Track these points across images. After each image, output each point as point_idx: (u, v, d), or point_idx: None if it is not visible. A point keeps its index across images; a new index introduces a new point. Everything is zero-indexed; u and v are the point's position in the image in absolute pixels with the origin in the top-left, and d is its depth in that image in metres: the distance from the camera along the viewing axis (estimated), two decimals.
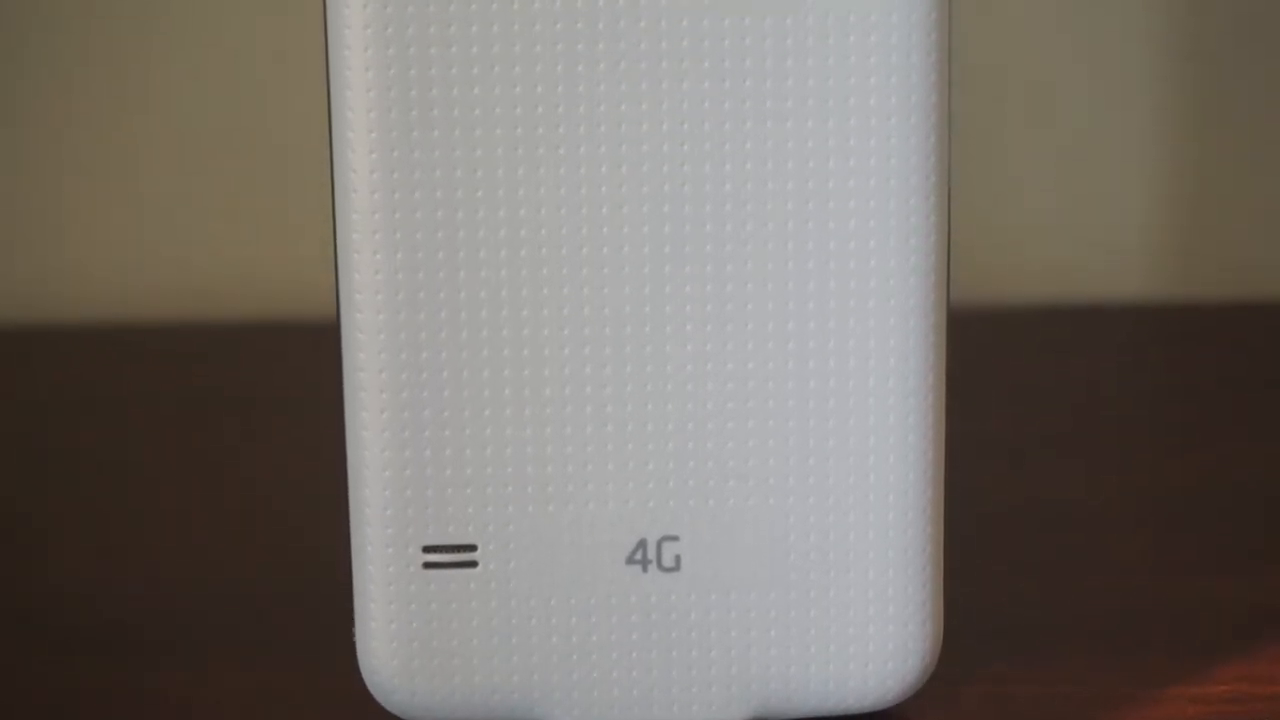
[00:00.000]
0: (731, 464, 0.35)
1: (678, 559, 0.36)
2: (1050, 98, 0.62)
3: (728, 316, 0.35)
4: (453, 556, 0.36)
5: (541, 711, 0.36)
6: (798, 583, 0.36)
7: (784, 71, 0.34)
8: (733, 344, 0.35)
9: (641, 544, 0.36)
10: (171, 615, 0.42)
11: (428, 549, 0.36)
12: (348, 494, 0.36)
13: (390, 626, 0.36)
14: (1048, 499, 0.48)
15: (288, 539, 0.46)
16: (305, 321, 0.55)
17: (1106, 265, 0.63)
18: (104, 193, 0.62)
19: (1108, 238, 0.63)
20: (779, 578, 0.36)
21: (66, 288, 0.62)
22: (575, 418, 0.35)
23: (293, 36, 0.59)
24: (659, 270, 0.35)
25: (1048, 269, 0.63)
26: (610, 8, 0.34)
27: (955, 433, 0.36)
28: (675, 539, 0.36)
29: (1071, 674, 0.39)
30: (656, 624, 0.36)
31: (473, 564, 0.36)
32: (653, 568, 0.36)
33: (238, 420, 0.54)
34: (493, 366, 0.35)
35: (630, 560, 0.36)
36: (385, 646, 0.36)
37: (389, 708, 0.36)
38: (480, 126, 0.34)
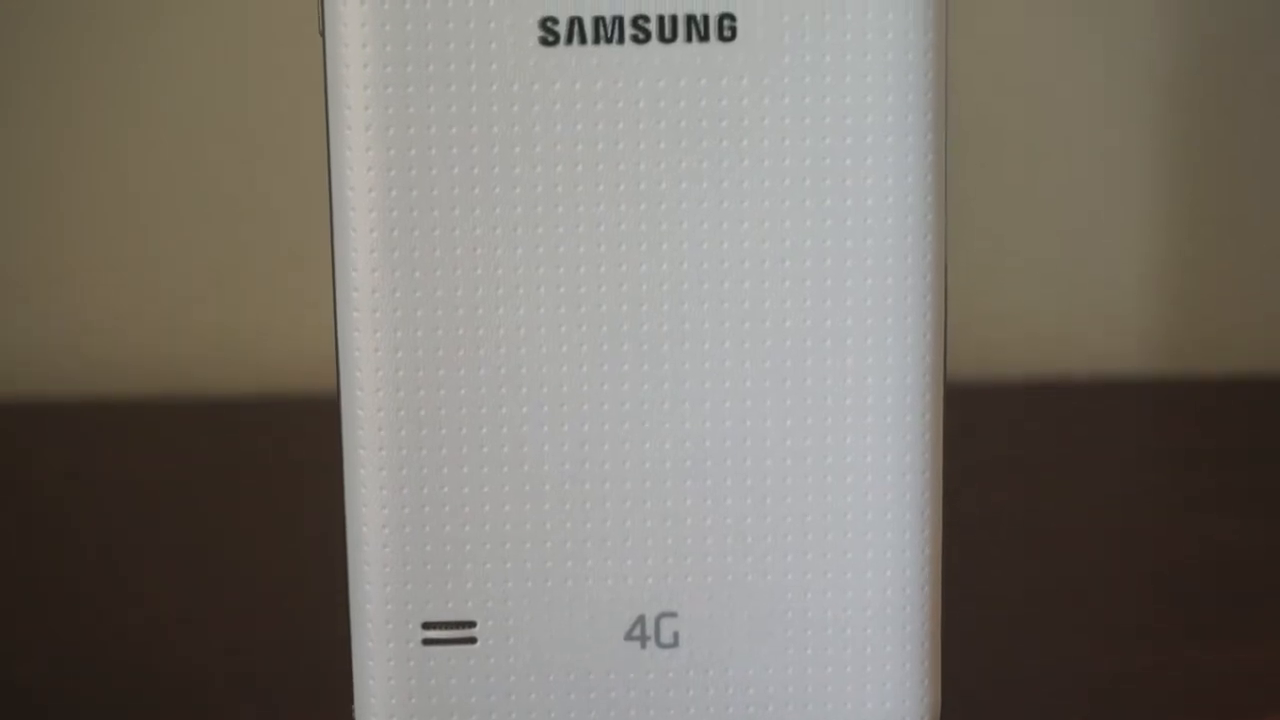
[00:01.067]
0: (730, 539, 0.36)
1: (676, 635, 0.36)
2: (1047, 174, 0.62)
3: (725, 395, 0.35)
4: (452, 633, 0.36)
5: None
6: (795, 658, 0.36)
7: (781, 173, 0.34)
8: (730, 422, 0.35)
9: (640, 620, 0.36)
10: (169, 694, 0.42)
11: (427, 625, 0.36)
12: (347, 570, 0.36)
13: (390, 702, 0.36)
14: (1045, 571, 0.48)
15: (287, 615, 0.46)
16: (305, 395, 0.55)
17: (1101, 340, 0.63)
18: (101, 265, 0.62)
19: (1103, 312, 0.63)
20: (777, 653, 0.36)
21: (59, 360, 0.62)
22: (574, 495, 0.35)
23: (292, 105, 0.59)
24: (657, 350, 0.35)
25: (1043, 343, 0.63)
26: (607, 100, 0.34)
27: (950, 503, 0.37)
28: (674, 615, 0.36)
29: None
30: (655, 700, 0.36)
31: (472, 640, 0.36)
32: (651, 644, 0.36)
33: (235, 495, 0.54)
34: (492, 444, 0.35)
35: (629, 637, 0.36)
36: None
37: None
38: (480, 207, 0.34)
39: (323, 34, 0.34)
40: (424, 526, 0.35)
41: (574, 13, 0.34)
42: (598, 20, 0.34)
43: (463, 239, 0.34)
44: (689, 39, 0.34)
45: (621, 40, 0.34)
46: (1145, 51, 0.61)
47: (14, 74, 0.61)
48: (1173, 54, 0.61)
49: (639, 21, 0.34)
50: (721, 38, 0.34)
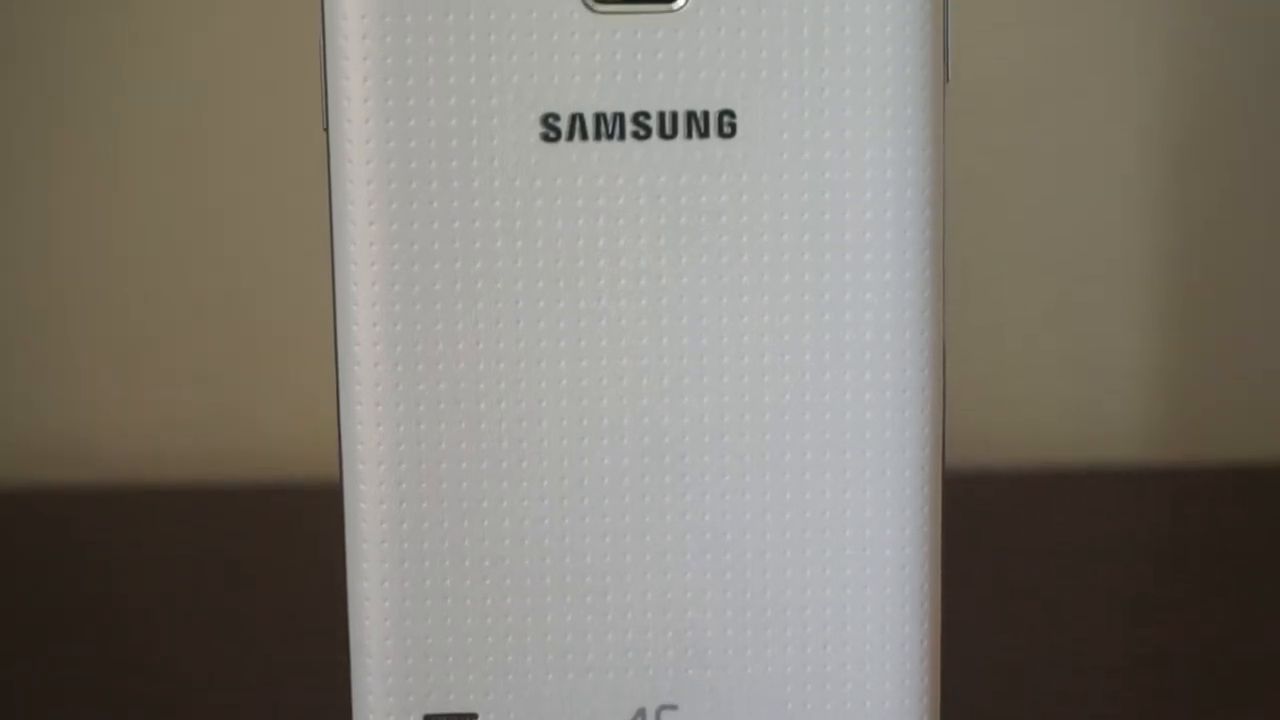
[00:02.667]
0: (730, 632, 0.36)
1: None
2: (1044, 263, 0.63)
3: (726, 487, 0.35)
4: None
5: None
6: None
7: (781, 267, 0.35)
8: (731, 514, 0.35)
9: (641, 713, 0.36)
10: None
11: (429, 718, 0.36)
12: (349, 659, 0.36)
13: None
14: (1038, 659, 0.48)
15: (286, 705, 0.46)
16: (308, 485, 0.55)
17: (1098, 429, 0.63)
18: (98, 353, 0.62)
19: (1099, 402, 0.63)
20: None
21: (70, 450, 0.63)
22: (575, 587, 0.35)
23: (295, 195, 0.60)
24: (658, 442, 0.35)
25: (1041, 434, 0.63)
26: (608, 196, 0.34)
27: (948, 598, 0.37)
28: (674, 708, 0.36)
29: None
30: None
31: None
32: None
33: (235, 584, 0.54)
34: (493, 536, 0.35)
35: None
36: None
37: None
38: (482, 300, 0.35)
39: (327, 130, 0.35)
40: (425, 619, 0.35)
41: (575, 109, 0.34)
42: (599, 116, 0.34)
43: (465, 331, 0.35)
44: (689, 135, 0.34)
45: (623, 136, 0.34)
46: (1144, 143, 0.62)
47: (13, 173, 0.61)
48: (1171, 145, 0.62)
49: (640, 118, 0.34)
50: (721, 134, 0.34)
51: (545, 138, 0.34)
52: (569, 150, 0.34)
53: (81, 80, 0.60)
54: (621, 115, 0.34)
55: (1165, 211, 0.62)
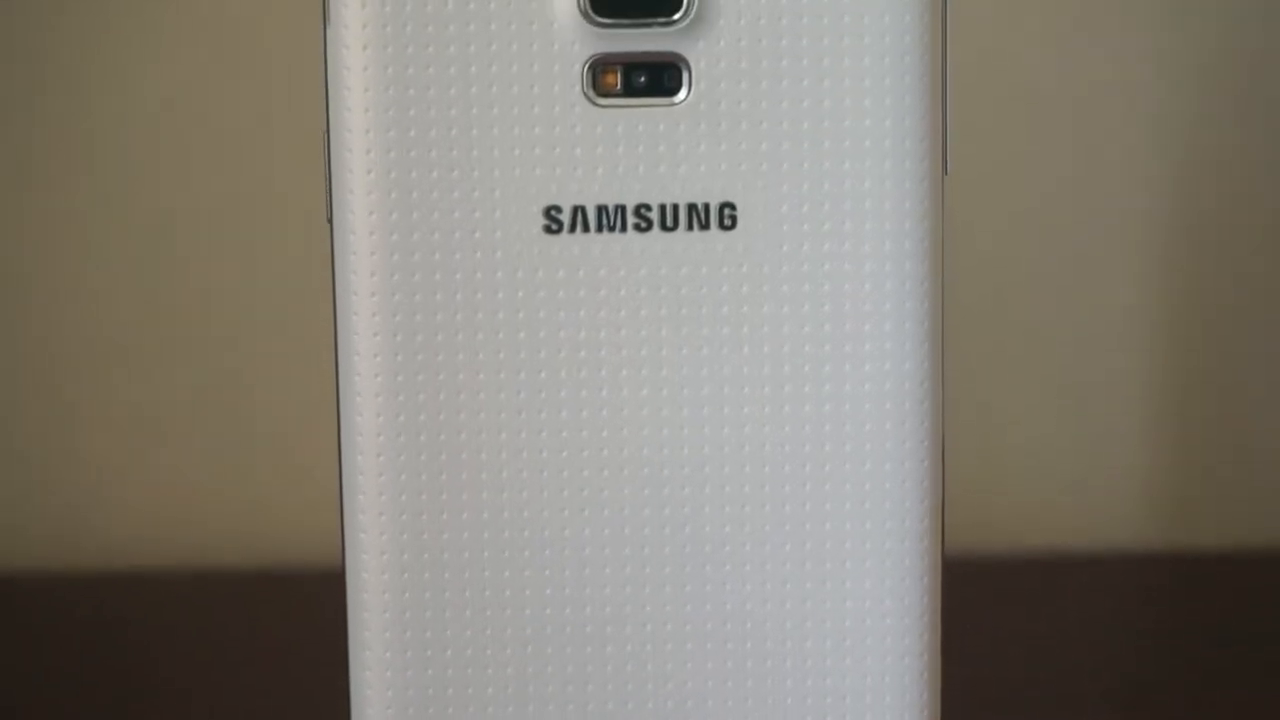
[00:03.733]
0: (730, 702, 0.36)
1: None
2: (1044, 346, 0.63)
3: (725, 577, 0.36)
4: None
5: None
6: None
7: (781, 359, 0.35)
8: (731, 603, 0.36)
9: None
10: None
11: None
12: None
13: None
14: None
15: None
16: (309, 569, 0.55)
17: (1100, 515, 0.63)
18: (103, 440, 0.63)
19: (1101, 486, 0.63)
20: None
21: (69, 533, 0.63)
22: (576, 677, 0.36)
23: (299, 286, 0.60)
24: (658, 533, 0.35)
25: (1041, 519, 0.63)
26: (610, 287, 0.35)
27: (949, 679, 0.37)
28: None
29: None
30: None
31: None
32: None
33: (237, 670, 0.54)
34: (494, 626, 0.35)
35: None
36: None
37: None
38: (485, 391, 0.35)
39: (331, 221, 0.35)
40: (427, 688, 0.35)
41: (577, 201, 0.34)
42: (601, 209, 0.35)
43: (468, 422, 0.35)
44: (690, 228, 0.35)
45: (624, 229, 0.35)
46: (1146, 224, 0.62)
47: (13, 255, 0.62)
48: (1173, 226, 0.62)
49: (641, 210, 0.35)
50: (722, 226, 0.35)
51: (548, 229, 0.35)
52: (571, 242, 0.35)
53: (73, 176, 0.61)
54: (623, 207, 0.35)
55: (1166, 295, 0.62)
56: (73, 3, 0.60)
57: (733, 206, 0.35)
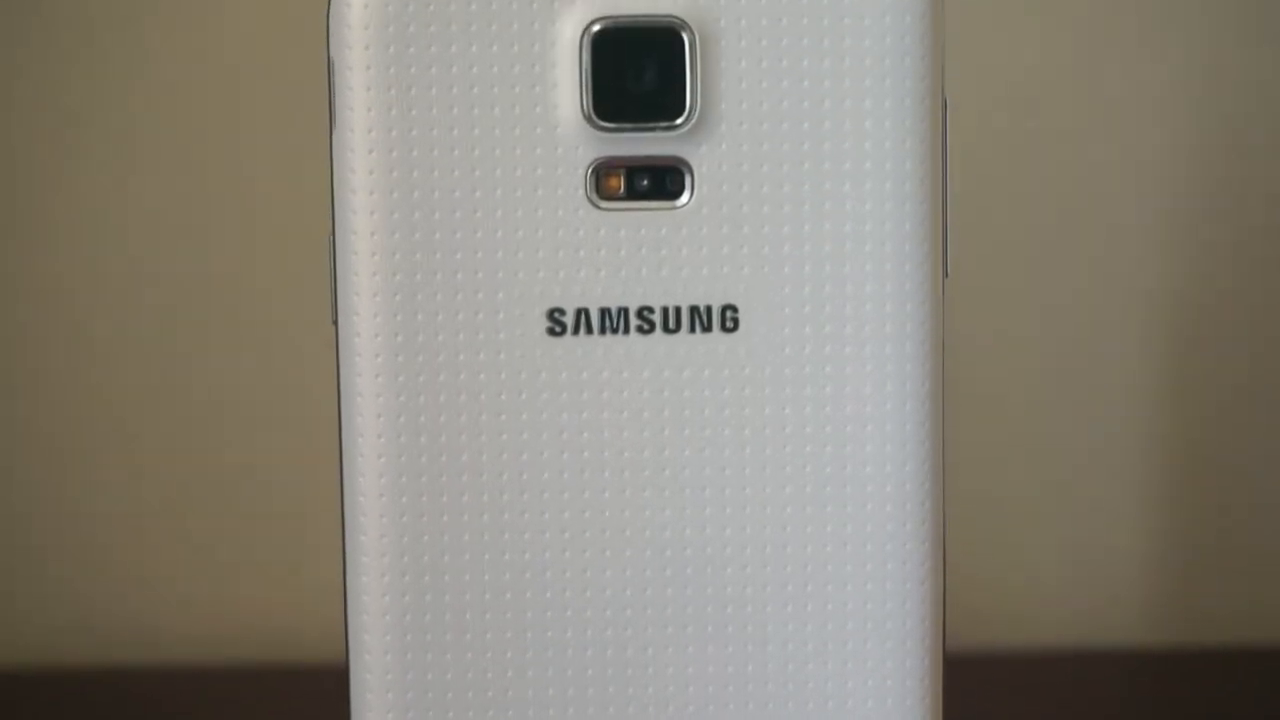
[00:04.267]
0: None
1: None
2: (1044, 443, 0.63)
3: (728, 679, 0.36)
4: None
5: None
6: None
7: (782, 461, 0.35)
8: (732, 705, 0.36)
9: None
10: None
11: None
12: None
13: None
14: None
15: None
16: (312, 667, 0.55)
17: (1102, 611, 0.63)
18: (116, 538, 0.63)
19: (1102, 583, 0.63)
20: None
21: (82, 630, 0.63)
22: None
23: (300, 389, 0.60)
24: (661, 633, 0.35)
25: (1043, 614, 0.63)
26: (612, 389, 0.35)
27: None
28: None
29: None
30: None
31: None
32: None
33: None
34: (496, 707, 0.36)
35: None
36: None
37: None
38: (488, 492, 0.35)
39: (336, 323, 0.35)
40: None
41: (581, 304, 0.35)
42: (604, 311, 0.35)
43: (471, 523, 0.35)
44: (693, 330, 0.35)
45: (627, 331, 0.35)
46: (1143, 330, 0.62)
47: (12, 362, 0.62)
48: (1170, 325, 0.62)
49: (644, 313, 0.35)
50: (724, 329, 0.35)
51: (551, 332, 0.35)
52: (574, 344, 0.35)
53: (77, 269, 0.61)
54: (626, 310, 0.35)
55: (1164, 392, 0.63)
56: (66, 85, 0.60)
57: (735, 309, 0.35)
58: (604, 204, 0.35)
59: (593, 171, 0.35)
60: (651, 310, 0.35)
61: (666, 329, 0.35)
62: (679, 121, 0.34)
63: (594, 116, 0.34)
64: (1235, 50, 0.60)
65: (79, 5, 0.59)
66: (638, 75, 0.34)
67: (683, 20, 0.34)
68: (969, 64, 0.52)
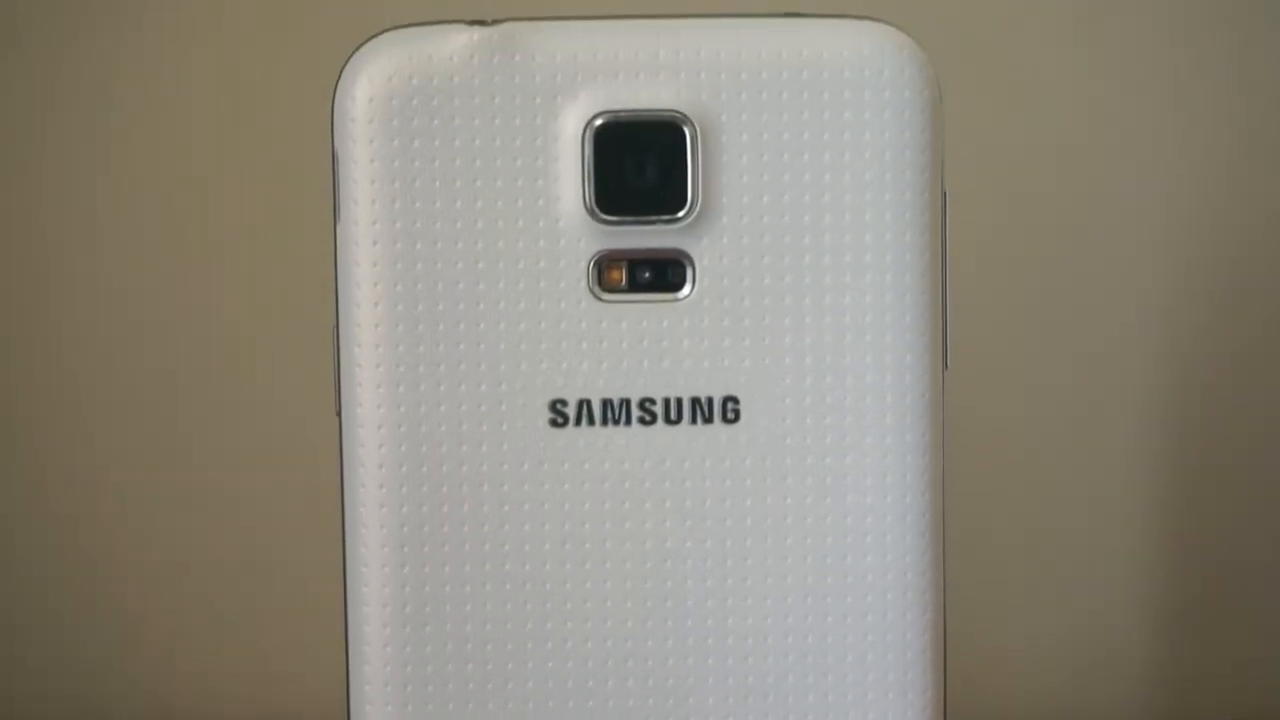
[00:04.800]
0: None
1: None
2: (1044, 519, 0.63)
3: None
4: None
5: None
6: None
7: (784, 551, 0.35)
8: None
9: None
10: None
11: None
12: None
13: None
14: None
15: None
16: None
17: (1103, 688, 0.63)
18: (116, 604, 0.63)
19: (1104, 659, 0.63)
20: None
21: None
22: None
23: (304, 478, 0.60)
24: (662, 705, 0.36)
25: (1044, 691, 0.63)
26: (614, 480, 0.35)
27: None
28: None
29: None
30: None
31: None
32: None
33: None
34: None
35: None
36: None
37: None
38: (490, 582, 0.35)
39: (339, 414, 0.35)
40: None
41: (583, 395, 0.35)
42: (605, 403, 0.35)
43: (474, 613, 0.35)
44: (694, 421, 0.35)
45: (629, 422, 0.35)
46: (1140, 442, 0.62)
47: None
48: (1165, 403, 0.62)
49: (645, 404, 0.35)
50: (725, 419, 0.35)
51: (553, 423, 0.35)
52: (576, 435, 0.35)
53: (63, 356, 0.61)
54: (627, 401, 0.35)
55: (1163, 478, 0.63)
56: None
57: (736, 400, 0.35)
58: (606, 296, 0.35)
59: (595, 264, 0.35)
60: (653, 401, 0.35)
61: (668, 420, 0.35)
62: (681, 214, 0.35)
63: (596, 209, 0.35)
64: (1233, 167, 0.60)
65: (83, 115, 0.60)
66: (640, 169, 0.35)
67: (684, 114, 0.35)
68: (967, 155, 0.52)
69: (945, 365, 0.36)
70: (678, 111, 0.35)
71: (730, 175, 0.35)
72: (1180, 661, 0.64)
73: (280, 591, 0.62)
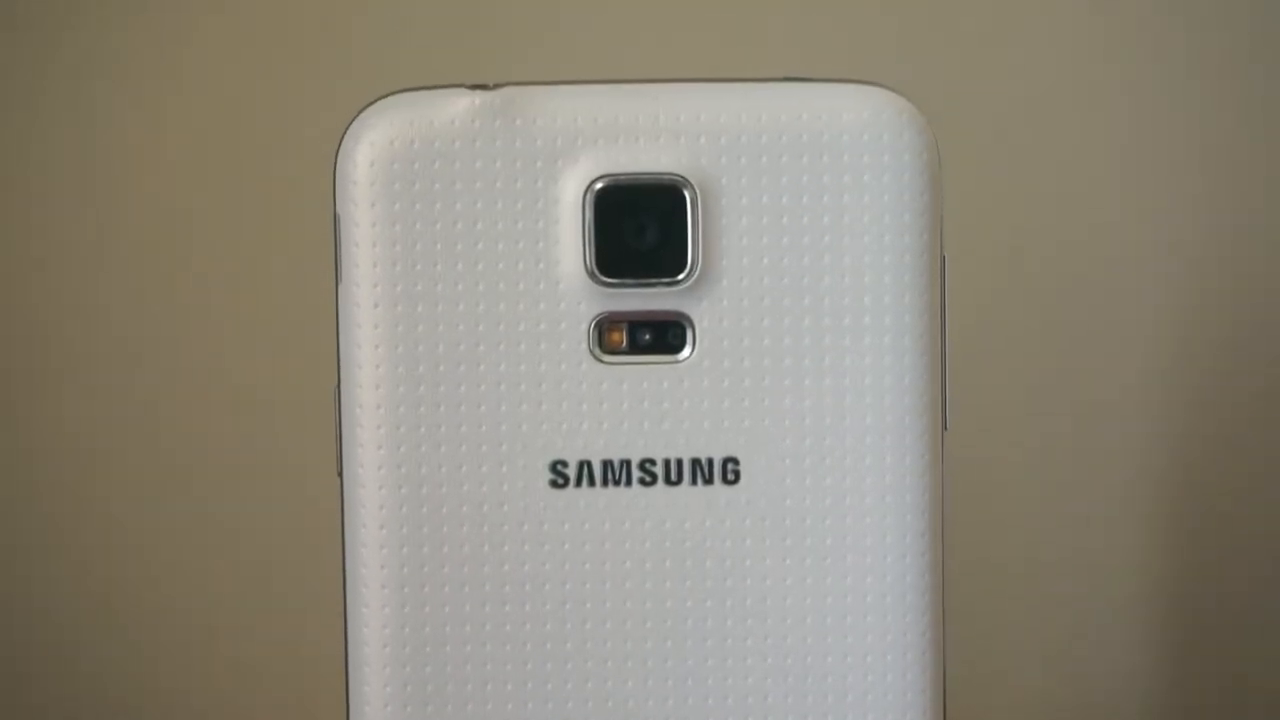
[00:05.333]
0: None
1: None
2: (1042, 588, 0.63)
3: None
4: None
5: None
6: None
7: (784, 612, 0.36)
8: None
9: None
10: None
11: None
12: None
13: None
14: None
15: None
16: None
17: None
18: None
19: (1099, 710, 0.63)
20: None
21: None
22: None
23: (307, 526, 0.60)
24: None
25: None
26: (614, 540, 0.35)
27: None
28: None
29: None
30: None
31: None
32: None
33: None
34: None
35: None
36: None
37: None
38: (490, 642, 0.35)
39: (341, 475, 0.36)
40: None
41: (583, 457, 0.35)
42: (606, 464, 0.35)
43: (473, 674, 0.35)
44: (694, 482, 0.35)
45: (629, 483, 0.35)
46: (1132, 446, 0.63)
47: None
48: (1162, 449, 0.63)
49: (646, 465, 0.35)
50: (725, 480, 0.35)
51: (554, 484, 0.35)
52: (577, 496, 0.35)
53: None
54: (628, 462, 0.35)
55: (1159, 508, 0.63)
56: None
57: (736, 461, 0.35)
58: (606, 358, 0.35)
59: (595, 325, 0.35)
60: (653, 462, 0.35)
61: (668, 481, 0.35)
62: (680, 277, 0.35)
63: (597, 272, 0.35)
64: (1225, 216, 0.61)
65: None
66: (640, 231, 0.35)
67: (684, 178, 0.35)
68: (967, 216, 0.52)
69: (945, 426, 0.36)
70: (678, 175, 0.35)
71: (730, 238, 0.35)
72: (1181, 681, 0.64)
73: (282, 660, 0.62)
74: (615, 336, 0.35)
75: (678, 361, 0.35)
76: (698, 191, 0.35)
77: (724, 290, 0.35)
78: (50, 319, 0.60)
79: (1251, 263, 0.62)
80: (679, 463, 0.35)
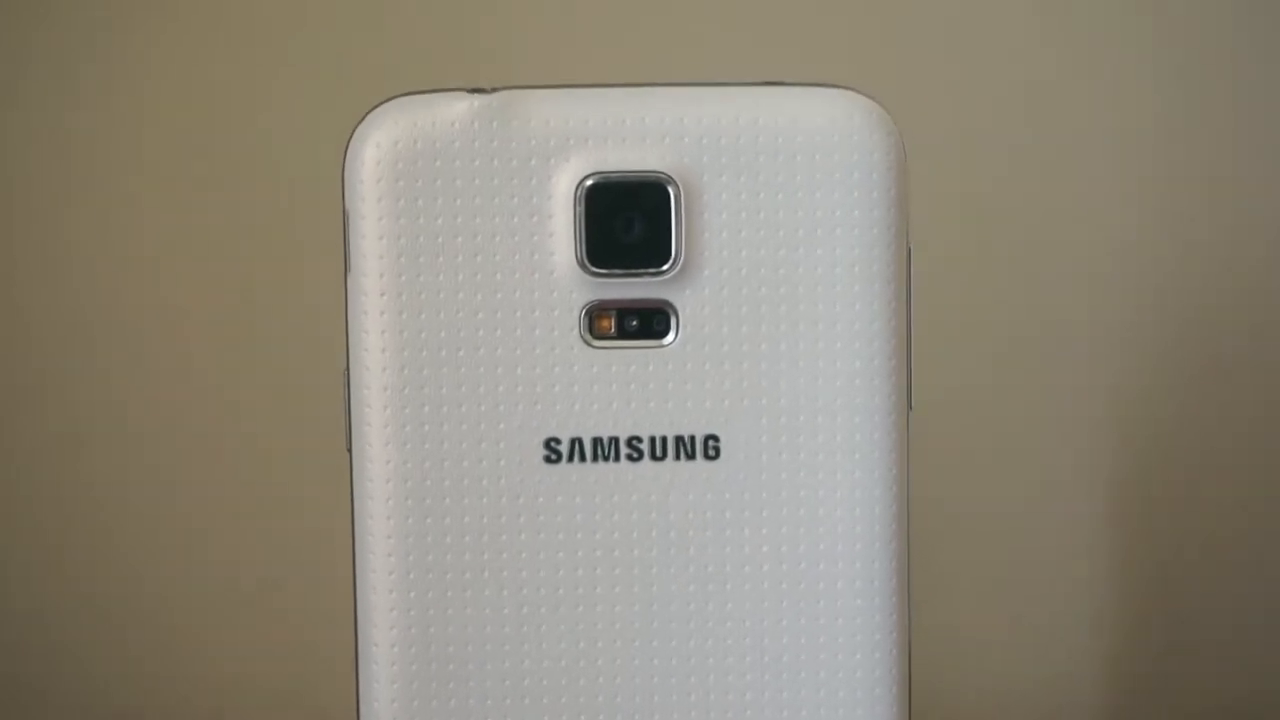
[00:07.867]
0: None
1: None
2: (1007, 573, 0.64)
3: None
4: None
5: None
6: None
7: (760, 577, 0.38)
8: None
9: None
10: None
11: None
12: None
13: None
14: None
15: None
16: None
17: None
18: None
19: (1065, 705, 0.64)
20: None
21: None
22: None
23: (312, 520, 0.61)
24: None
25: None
26: (604, 512, 0.38)
27: None
28: None
29: None
30: None
31: None
32: None
33: None
34: None
35: None
36: None
37: None
38: (490, 607, 0.38)
39: (350, 450, 0.38)
40: None
41: (575, 434, 0.38)
42: (596, 441, 0.38)
43: (474, 635, 0.38)
44: (678, 457, 0.38)
45: (618, 459, 0.38)
46: (1099, 464, 0.64)
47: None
48: (1127, 464, 0.63)
49: (633, 442, 0.38)
50: (707, 457, 0.38)
51: (547, 459, 0.38)
52: (569, 471, 0.38)
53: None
54: (616, 439, 0.38)
55: (1125, 520, 0.64)
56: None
57: (716, 439, 0.38)
58: (596, 342, 0.38)
59: (586, 313, 0.38)
60: (640, 440, 0.38)
61: (654, 457, 0.38)
62: (665, 267, 0.37)
63: (587, 263, 0.37)
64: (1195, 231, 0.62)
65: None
66: (627, 225, 0.37)
67: (669, 175, 0.37)
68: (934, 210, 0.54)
69: (910, 406, 0.38)
70: (663, 173, 0.37)
71: (711, 231, 0.37)
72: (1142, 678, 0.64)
73: (293, 615, 0.62)
74: (604, 323, 0.38)
75: (662, 346, 0.38)
76: (681, 188, 0.37)
77: (705, 280, 0.38)
78: (51, 319, 0.62)
79: (1224, 259, 0.63)
80: (664, 440, 0.38)
